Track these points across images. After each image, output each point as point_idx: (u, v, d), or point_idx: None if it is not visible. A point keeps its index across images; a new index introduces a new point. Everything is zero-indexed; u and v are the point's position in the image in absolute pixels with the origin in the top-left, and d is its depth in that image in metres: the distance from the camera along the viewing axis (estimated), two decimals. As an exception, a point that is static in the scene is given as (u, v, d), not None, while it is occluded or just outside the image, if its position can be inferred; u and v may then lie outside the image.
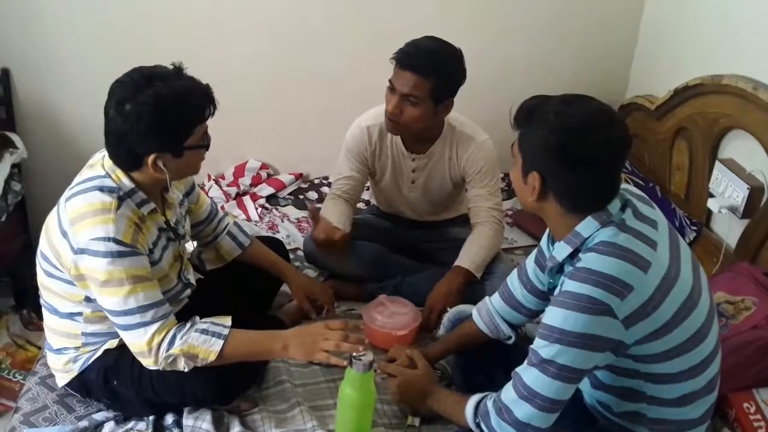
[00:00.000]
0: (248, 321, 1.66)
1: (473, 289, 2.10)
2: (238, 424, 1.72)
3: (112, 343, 1.68)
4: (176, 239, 1.74)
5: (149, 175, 1.56)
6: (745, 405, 1.82)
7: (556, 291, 1.39)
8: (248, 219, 2.78)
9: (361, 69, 2.85)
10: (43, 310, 1.72)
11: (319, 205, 2.38)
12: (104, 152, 1.60)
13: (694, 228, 2.53)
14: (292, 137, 3.05)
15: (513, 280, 1.69)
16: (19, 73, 2.70)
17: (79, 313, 1.64)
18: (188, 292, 1.80)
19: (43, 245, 1.63)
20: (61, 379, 1.75)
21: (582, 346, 1.31)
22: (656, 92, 2.87)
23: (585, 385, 1.54)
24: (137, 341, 1.56)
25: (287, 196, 2.98)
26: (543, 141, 1.33)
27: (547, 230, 1.53)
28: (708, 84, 2.48)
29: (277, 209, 2.87)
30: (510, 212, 2.86)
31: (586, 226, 1.37)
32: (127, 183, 1.57)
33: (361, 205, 2.76)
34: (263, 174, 3.04)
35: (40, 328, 1.94)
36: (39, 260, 1.66)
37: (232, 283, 1.98)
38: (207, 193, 2.71)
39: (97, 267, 1.50)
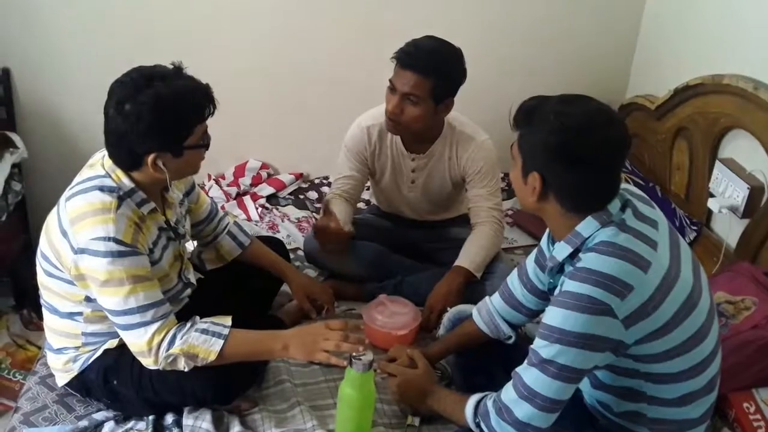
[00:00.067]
0: (248, 321, 1.66)
1: (473, 289, 2.10)
2: (238, 423, 1.72)
3: (112, 343, 1.68)
4: (176, 239, 1.74)
5: (149, 175, 1.56)
6: (745, 405, 1.82)
7: (556, 291, 1.39)
8: (248, 219, 2.78)
9: (361, 69, 2.85)
10: (43, 310, 1.72)
11: (319, 205, 2.38)
12: (104, 152, 1.60)
13: (695, 228, 2.53)
14: (292, 137, 3.05)
15: (513, 280, 1.69)
16: (19, 72, 2.70)
17: (79, 313, 1.64)
18: (188, 291, 1.80)
19: (43, 245, 1.63)
20: (61, 379, 1.75)
21: (582, 346, 1.31)
22: (656, 92, 2.87)
23: (585, 384, 1.54)
24: (137, 341, 1.56)
25: (287, 196, 2.98)
26: (543, 141, 1.33)
27: (547, 230, 1.53)
28: (708, 84, 2.48)
29: (277, 209, 2.87)
30: (510, 212, 2.86)
31: (587, 226, 1.37)
32: (127, 183, 1.57)
33: (361, 205, 2.76)
34: (263, 174, 3.04)
35: (40, 328, 1.94)
36: (39, 260, 1.66)
37: (232, 283, 1.98)
38: (207, 193, 2.70)
39: (97, 267, 1.50)
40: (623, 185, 1.42)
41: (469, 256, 2.15)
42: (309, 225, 2.73)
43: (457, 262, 2.15)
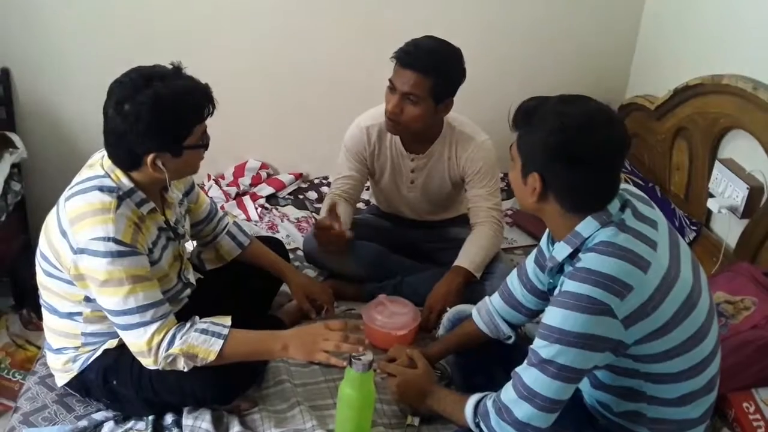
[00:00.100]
0: (248, 321, 1.66)
1: (473, 289, 2.10)
2: (238, 423, 1.72)
3: (112, 343, 1.68)
4: (176, 239, 1.74)
5: (148, 175, 1.56)
6: (745, 405, 1.82)
7: (556, 291, 1.39)
8: (248, 219, 2.77)
9: (361, 69, 2.84)
10: (43, 310, 1.72)
11: (319, 205, 2.38)
12: (103, 152, 1.60)
13: (694, 228, 2.53)
14: (292, 137, 3.05)
15: (513, 280, 1.69)
16: (19, 72, 2.70)
17: (79, 313, 1.64)
18: (188, 291, 1.80)
19: (42, 245, 1.63)
20: (61, 379, 1.75)
21: (582, 346, 1.31)
22: (656, 92, 2.87)
23: (585, 384, 1.54)
24: (137, 341, 1.56)
25: (287, 196, 2.98)
26: (543, 141, 1.33)
27: (547, 230, 1.53)
28: (708, 84, 2.48)
29: (276, 209, 2.87)
30: (510, 212, 2.86)
31: (586, 226, 1.37)
32: (126, 182, 1.57)
33: (361, 205, 2.76)
34: (263, 174, 3.03)
35: (40, 328, 1.94)
36: (38, 260, 1.66)
37: (232, 283, 1.98)
38: (207, 193, 2.70)
39: (97, 267, 1.50)
40: (623, 185, 1.42)
41: (469, 256, 2.15)
42: (308, 225, 2.73)
43: (456, 262, 2.15)
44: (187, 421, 1.70)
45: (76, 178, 1.61)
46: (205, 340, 1.58)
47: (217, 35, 2.77)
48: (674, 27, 2.83)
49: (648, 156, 2.90)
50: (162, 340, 1.55)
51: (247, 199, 2.90)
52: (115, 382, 1.69)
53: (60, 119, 2.80)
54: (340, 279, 2.32)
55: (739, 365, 1.81)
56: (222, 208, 2.75)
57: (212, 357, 1.58)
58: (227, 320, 1.63)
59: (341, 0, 2.82)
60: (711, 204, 2.39)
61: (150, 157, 1.52)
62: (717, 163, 2.42)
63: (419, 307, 2.09)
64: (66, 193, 1.59)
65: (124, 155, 1.55)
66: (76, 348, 1.69)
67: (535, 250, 1.63)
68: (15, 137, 2.63)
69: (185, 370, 1.59)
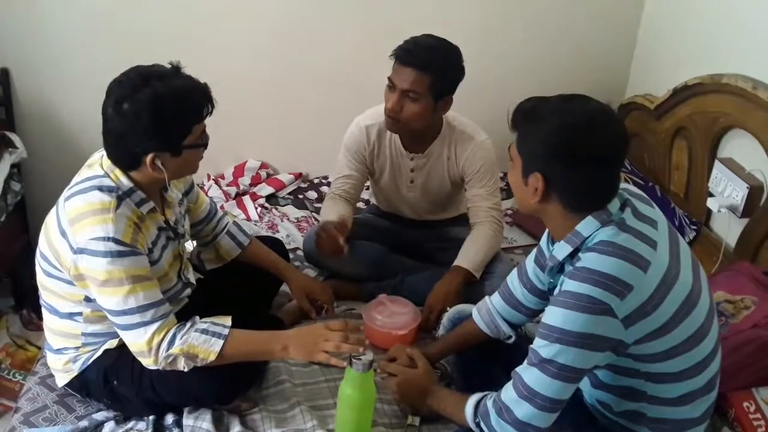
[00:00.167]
0: (248, 321, 1.66)
1: (473, 289, 2.10)
2: (238, 424, 1.72)
3: (112, 343, 1.68)
4: (176, 238, 1.74)
5: (148, 175, 1.56)
6: (745, 404, 1.82)
7: (556, 290, 1.39)
8: (248, 219, 2.77)
9: (360, 68, 2.84)
10: (43, 310, 1.72)
11: (318, 205, 2.38)
12: (103, 152, 1.59)
13: (694, 227, 2.53)
14: (292, 137, 3.05)
15: (513, 280, 1.69)
16: (19, 73, 2.70)
17: (79, 313, 1.64)
18: (188, 291, 1.80)
19: (42, 245, 1.63)
20: (61, 379, 1.75)
21: (582, 345, 1.31)
22: (656, 92, 2.87)
23: (585, 384, 1.54)
24: (137, 341, 1.56)
25: (287, 196, 2.98)
26: (544, 141, 1.33)
27: (547, 230, 1.53)
28: (707, 83, 2.48)
29: (276, 209, 2.87)
30: (510, 212, 2.86)
31: (587, 226, 1.37)
32: (125, 182, 1.57)
33: (361, 204, 2.76)
34: (263, 174, 3.03)
35: (40, 328, 1.94)
36: (38, 260, 1.66)
37: (232, 283, 1.97)
38: (206, 193, 2.71)
39: (97, 267, 1.50)
40: (622, 185, 1.42)
41: (469, 256, 2.15)
42: (308, 225, 2.73)
43: (456, 262, 2.15)
44: (187, 421, 1.70)
45: (76, 178, 1.61)
46: (205, 340, 1.58)
47: (218, 35, 2.77)
48: (674, 26, 2.83)
49: (648, 155, 2.90)
50: (162, 340, 1.55)
51: (246, 199, 2.90)
52: (115, 383, 1.69)
53: (60, 119, 2.80)
54: (340, 279, 2.32)
55: (739, 364, 1.81)
56: (222, 208, 2.75)
57: (212, 357, 1.58)
58: (227, 320, 1.62)
59: (341, 0, 2.82)
60: (711, 203, 2.39)
61: (149, 157, 1.52)
62: (717, 163, 2.42)
63: (419, 307, 2.09)
64: (65, 193, 1.59)
65: (123, 155, 1.55)
66: (77, 348, 1.69)
67: (535, 250, 1.63)
68: (15, 137, 2.63)
69: (185, 370, 1.58)
